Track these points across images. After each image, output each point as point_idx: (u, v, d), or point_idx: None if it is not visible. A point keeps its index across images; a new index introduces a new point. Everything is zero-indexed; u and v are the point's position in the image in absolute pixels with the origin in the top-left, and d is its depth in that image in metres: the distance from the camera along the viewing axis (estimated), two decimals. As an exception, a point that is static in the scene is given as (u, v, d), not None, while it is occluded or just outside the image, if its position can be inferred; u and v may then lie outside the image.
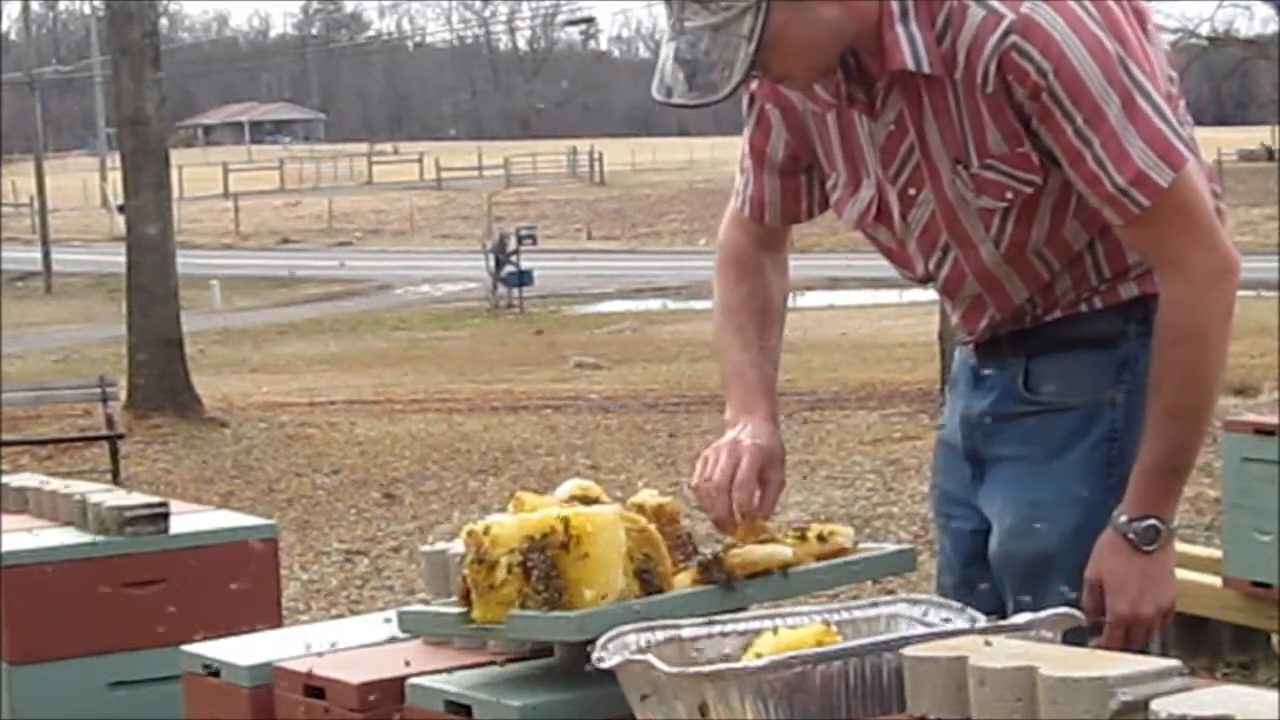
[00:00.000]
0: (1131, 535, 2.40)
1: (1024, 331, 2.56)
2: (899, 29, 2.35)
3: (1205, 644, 5.76)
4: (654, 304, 29.38)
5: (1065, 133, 2.32)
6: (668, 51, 2.30)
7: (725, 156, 58.67)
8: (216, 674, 2.57)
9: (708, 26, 2.25)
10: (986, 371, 2.60)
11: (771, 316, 2.67)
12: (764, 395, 2.58)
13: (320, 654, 2.50)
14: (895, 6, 2.34)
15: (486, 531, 2.23)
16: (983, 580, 2.59)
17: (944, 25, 2.34)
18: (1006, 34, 2.30)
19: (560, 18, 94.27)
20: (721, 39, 2.25)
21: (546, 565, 2.18)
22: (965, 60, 2.33)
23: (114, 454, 12.39)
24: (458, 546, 2.40)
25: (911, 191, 2.47)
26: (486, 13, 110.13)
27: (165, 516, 3.86)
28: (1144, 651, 2.35)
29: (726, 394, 2.61)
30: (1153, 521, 2.40)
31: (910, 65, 2.35)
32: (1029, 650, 1.85)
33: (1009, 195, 2.42)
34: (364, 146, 74.56)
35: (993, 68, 2.31)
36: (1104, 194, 2.34)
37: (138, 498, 3.99)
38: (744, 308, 2.65)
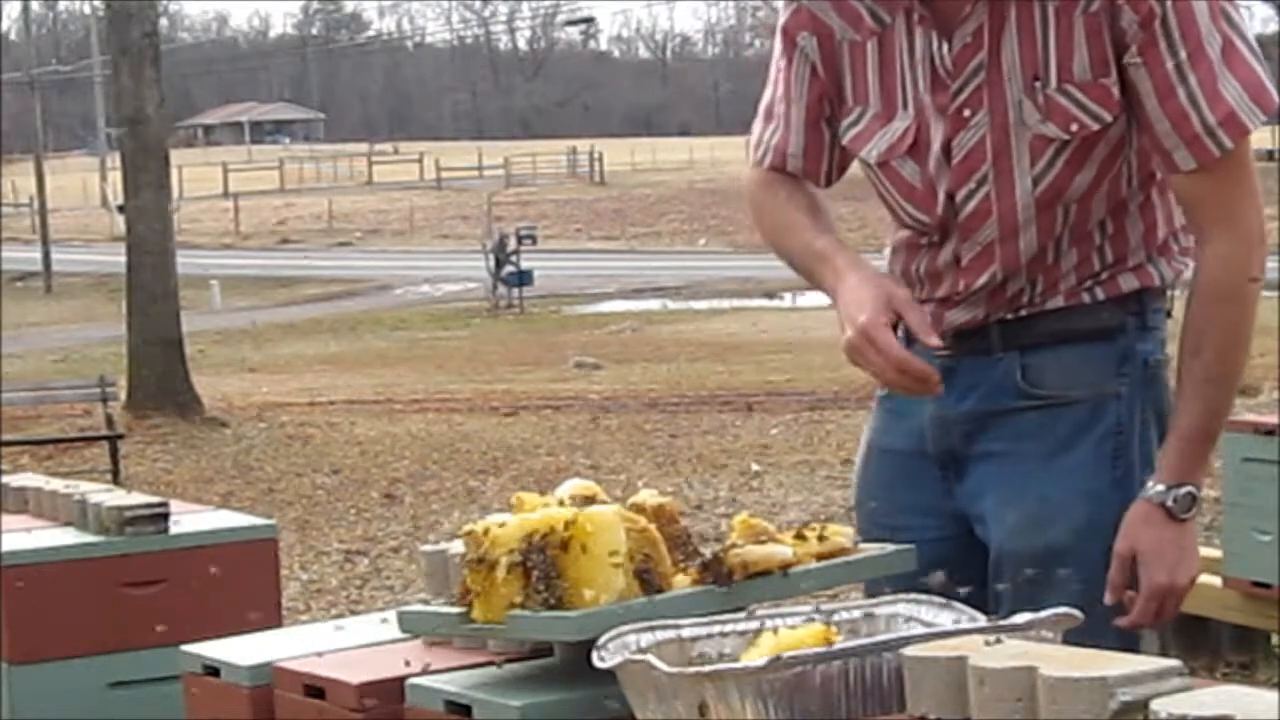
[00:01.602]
0: (1170, 504, 2.40)
1: (1017, 322, 2.52)
2: None
3: (1205, 644, 5.77)
4: (654, 304, 29.38)
5: (1165, 64, 2.32)
6: None
7: (725, 156, 58.74)
8: (216, 674, 2.57)
9: None
10: (964, 369, 2.55)
11: (818, 211, 2.56)
12: (840, 250, 2.46)
13: (320, 654, 2.50)
14: None
15: (486, 531, 2.23)
16: (940, 590, 2.47)
17: None
18: None
19: (560, 18, 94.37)
20: None
21: (546, 565, 2.18)
22: None
23: (114, 454, 12.40)
24: (458, 546, 2.40)
25: (966, 113, 2.42)
26: (486, 13, 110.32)
27: (165, 516, 3.86)
28: (1134, 648, 2.36)
29: (817, 279, 2.49)
30: (1189, 489, 2.40)
31: None
32: (1029, 650, 1.85)
33: (1074, 128, 2.39)
34: (364, 146, 74.63)
35: None
36: (1187, 133, 2.34)
37: (138, 498, 3.99)
38: (788, 207, 2.56)
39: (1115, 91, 2.37)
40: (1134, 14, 2.31)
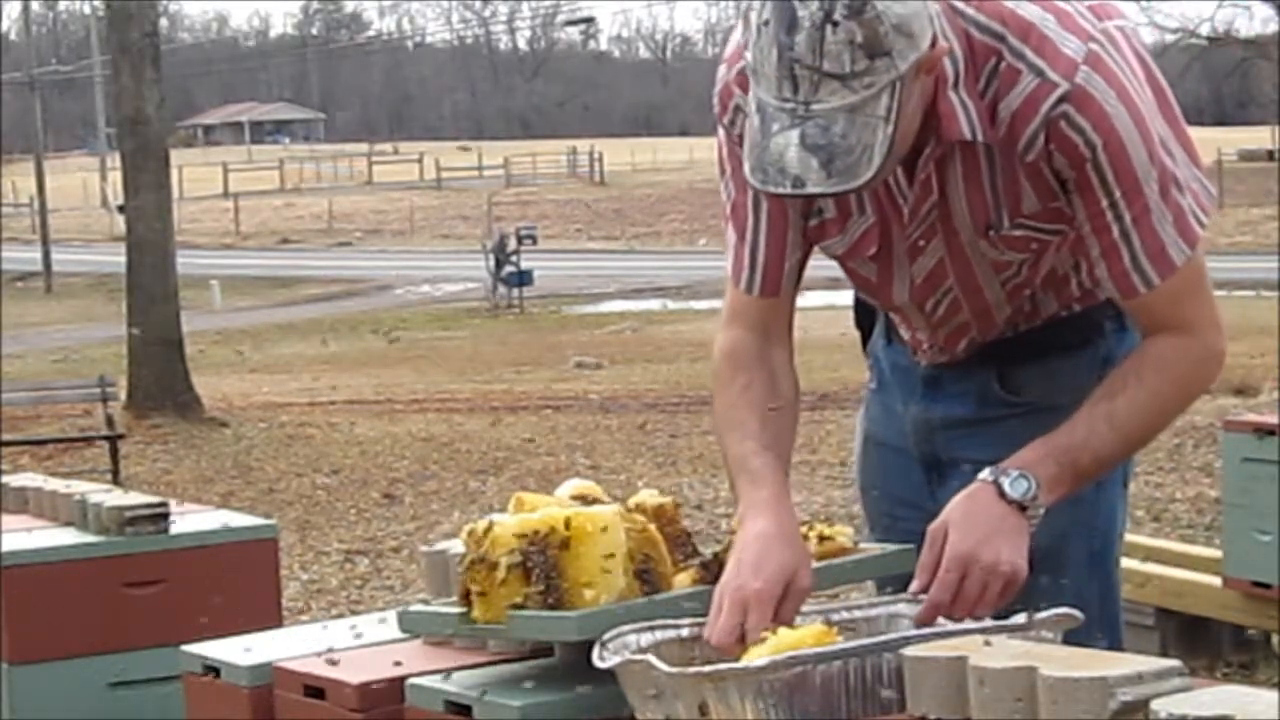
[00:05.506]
0: (1002, 480, 2.26)
1: (999, 342, 2.53)
2: (952, 96, 2.25)
3: (1205, 644, 5.77)
4: (654, 304, 29.36)
5: (1099, 204, 2.27)
6: (787, 140, 2.11)
7: (725, 156, 58.46)
8: (216, 674, 2.57)
9: (844, 108, 2.09)
10: (946, 378, 2.57)
11: (777, 403, 2.46)
12: (771, 481, 2.35)
13: (320, 654, 2.50)
14: (949, 71, 2.24)
15: (486, 531, 2.23)
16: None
17: (986, 84, 2.26)
18: (1059, 103, 2.22)
19: (560, 18, 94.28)
20: (859, 120, 2.10)
21: (546, 565, 2.19)
22: (1009, 125, 2.26)
23: (114, 454, 12.39)
24: (458, 546, 2.40)
25: (921, 243, 2.41)
26: (486, 13, 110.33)
27: (165, 516, 3.87)
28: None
29: (738, 493, 2.39)
30: (1023, 474, 2.26)
31: (967, 135, 2.27)
32: (1029, 650, 1.85)
33: (1034, 246, 2.38)
34: (364, 146, 74.62)
35: (1040, 138, 2.25)
36: (1117, 269, 2.30)
37: (138, 498, 4.00)
38: (740, 401, 2.44)
39: (1066, 208, 2.33)
40: (1065, 158, 2.26)
